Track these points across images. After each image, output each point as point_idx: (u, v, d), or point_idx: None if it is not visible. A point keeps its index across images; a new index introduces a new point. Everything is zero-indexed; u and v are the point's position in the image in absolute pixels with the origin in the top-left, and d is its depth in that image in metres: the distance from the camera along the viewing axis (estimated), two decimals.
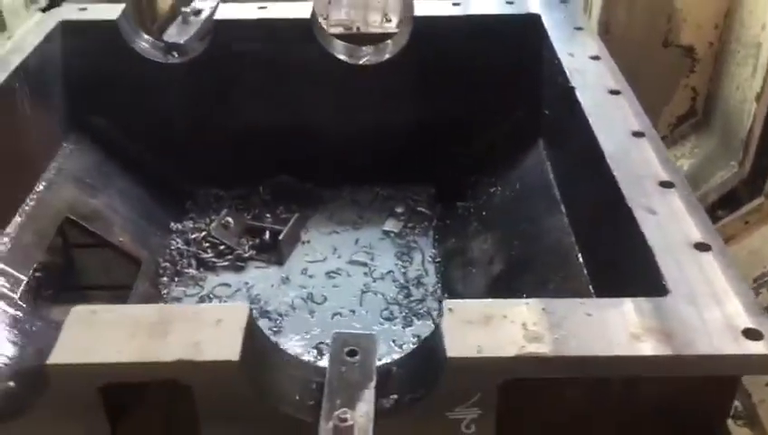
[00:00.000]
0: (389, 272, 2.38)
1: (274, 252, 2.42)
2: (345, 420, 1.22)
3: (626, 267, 1.56)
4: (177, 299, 2.24)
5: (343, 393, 1.28)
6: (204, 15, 2.71)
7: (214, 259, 2.40)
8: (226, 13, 2.51)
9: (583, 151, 1.88)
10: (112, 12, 2.45)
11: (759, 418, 1.94)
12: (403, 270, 2.39)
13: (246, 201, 2.65)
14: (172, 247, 2.44)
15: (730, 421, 1.99)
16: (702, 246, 1.42)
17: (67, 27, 2.40)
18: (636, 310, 1.28)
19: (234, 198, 2.66)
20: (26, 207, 2.14)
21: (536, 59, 2.37)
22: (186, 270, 2.36)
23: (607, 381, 1.27)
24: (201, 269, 2.38)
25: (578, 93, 1.95)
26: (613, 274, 1.67)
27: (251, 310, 1.30)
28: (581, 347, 1.21)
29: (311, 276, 2.37)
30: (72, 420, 1.26)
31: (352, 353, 1.36)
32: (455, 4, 2.51)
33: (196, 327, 1.26)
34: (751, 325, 1.23)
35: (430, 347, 1.30)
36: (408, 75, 2.55)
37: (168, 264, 2.37)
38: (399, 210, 2.62)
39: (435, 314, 2.20)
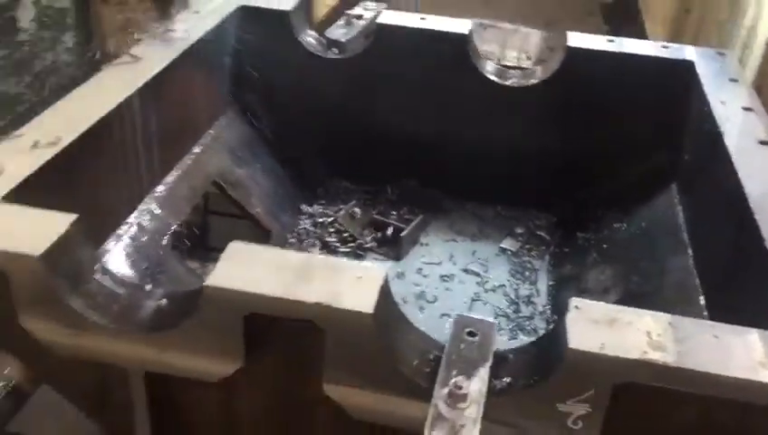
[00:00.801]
0: (501, 286, 2.43)
1: (394, 247, 2.53)
2: (460, 387, 1.29)
3: (755, 315, 1.55)
4: None
5: (460, 366, 1.34)
6: (366, 20, 2.87)
7: (337, 244, 2.53)
8: (389, 18, 2.66)
9: (724, 197, 1.88)
10: (286, 4, 2.65)
11: None
12: (515, 287, 2.43)
13: (374, 197, 2.77)
14: (300, 227, 2.59)
15: None
16: None
17: (245, 11, 2.61)
18: (763, 339, 1.28)
19: (362, 193, 2.79)
20: (183, 165, 2.33)
21: (684, 105, 2.38)
22: (309, 249, 2.50)
23: (722, 403, 1.27)
24: (324, 251, 2.51)
25: (726, 140, 1.96)
26: (737, 319, 1.66)
27: (387, 273, 1.39)
28: (703, 364, 1.23)
29: (425, 276, 2.45)
30: (215, 340, 1.38)
31: (472, 335, 1.43)
32: (609, 41, 2.56)
33: (337, 278, 1.36)
34: None
35: (551, 338, 1.35)
36: (551, 102, 2.61)
37: (294, 240, 2.52)
38: (519, 231, 2.67)
39: (541, 332, 2.23)
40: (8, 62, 2.44)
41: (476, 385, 1.31)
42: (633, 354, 1.24)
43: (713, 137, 2.03)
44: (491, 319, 1.46)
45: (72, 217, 1.45)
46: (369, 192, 2.79)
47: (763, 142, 1.95)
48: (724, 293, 1.82)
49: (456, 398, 1.28)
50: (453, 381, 1.30)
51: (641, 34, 4.73)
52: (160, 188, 2.20)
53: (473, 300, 2.36)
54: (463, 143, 2.72)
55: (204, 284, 1.33)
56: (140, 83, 2.02)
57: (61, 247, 1.40)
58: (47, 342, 1.45)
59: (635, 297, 2.12)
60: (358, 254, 2.51)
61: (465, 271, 2.49)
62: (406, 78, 2.67)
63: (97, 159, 1.85)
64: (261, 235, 2.48)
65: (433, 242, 2.62)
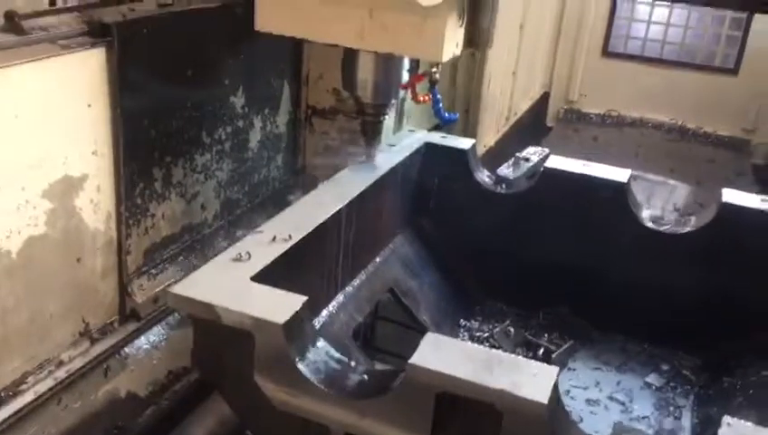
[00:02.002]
0: (645, 417, 2.57)
1: None
2: None
3: None
4: None
5: None
6: (532, 162, 3.24)
7: None
8: (554, 163, 2.99)
9: None
10: (464, 143, 3.06)
11: None
12: (659, 419, 2.56)
13: (526, 321, 3.02)
14: (459, 338, 2.87)
15: None
16: None
17: (429, 147, 3.04)
18: None
19: (515, 315, 3.05)
20: (367, 271, 2.70)
21: None
22: None
23: None
24: None
25: None
26: None
27: (558, 371, 1.64)
28: None
29: (572, 398, 2.63)
30: (409, 412, 1.67)
31: None
32: (763, 200, 2.77)
33: (517, 372, 1.63)
34: None
35: None
36: (702, 251, 2.80)
37: None
38: (665, 368, 2.81)
39: None
40: (236, 174, 2.97)
41: None
42: None
43: None
44: (648, 430, 1.66)
45: (303, 298, 1.83)
46: (521, 315, 3.05)
47: None
48: None
49: None
50: None
51: None
52: (349, 289, 2.57)
53: (616, 425, 2.50)
54: (614, 279, 2.94)
55: (408, 361, 1.64)
56: (347, 200, 2.44)
57: (296, 320, 1.76)
58: (272, 396, 1.79)
59: None
60: None
61: (611, 398, 2.65)
62: (564, 215, 2.96)
63: (313, 255, 2.25)
64: None
65: (580, 368, 2.81)
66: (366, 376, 1.81)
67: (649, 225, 2.86)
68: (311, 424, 1.80)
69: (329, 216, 2.31)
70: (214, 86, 2.74)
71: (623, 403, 2.63)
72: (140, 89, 2.25)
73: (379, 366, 1.96)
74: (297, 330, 1.77)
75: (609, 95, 7.43)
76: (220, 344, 1.85)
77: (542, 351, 2.80)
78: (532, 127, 6.80)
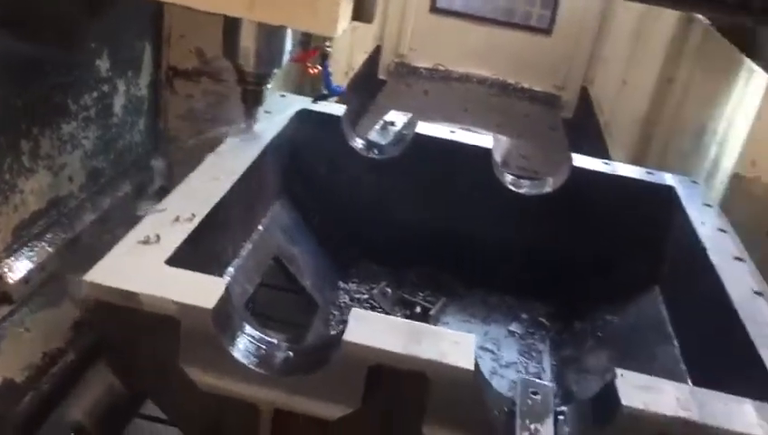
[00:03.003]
0: (514, 363, 2.85)
1: None
2: (537, 431, 1.69)
3: (736, 390, 2.00)
4: None
5: (530, 417, 1.75)
6: (398, 127, 3.35)
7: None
8: (423, 129, 3.14)
9: (707, 299, 2.37)
10: (338, 109, 3.11)
11: None
12: (525, 364, 2.86)
13: (399, 280, 3.18)
14: (339, 301, 2.97)
15: None
16: None
17: (304, 113, 3.05)
18: (755, 407, 1.73)
19: (388, 275, 3.20)
20: (252, 241, 2.70)
21: (666, 223, 2.91)
22: None
23: None
24: None
25: (710, 255, 2.47)
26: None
27: (475, 341, 1.80)
28: (718, 422, 1.67)
29: None
30: (341, 385, 1.75)
31: (535, 393, 1.84)
32: (605, 163, 3.11)
33: (441, 341, 1.76)
34: None
35: (602, 398, 1.77)
36: (553, 211, 3.10)
37: (336, 312, 2.90)
38: (524, 316, 3.11)
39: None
40: (101, 141, 2.81)
41: (548, 430, 1.71)
42: (669, 412, 1.67)
43: (696, 251, 2.55)
44: (549, 383, 1.88)
45: (225, 280, 1.83)
46: (395, 275, 3.20)
47: (737, 258, 2.46)
48: (709, 379, 2.28)
49: None
50: (532, 426, 1.70)
51: (605, 154, 5.36)
52: (238, 261, 2.56)
53: (491, 373, 2.76)
54: (478, 238, 3.18)
55: (343, 338, 1.71)
56: (239, 173, 2.41)
57: (223, 303, 1.76)
58: (199, 380, 1.78)
59: None
60: None
61: (482, 348, 2.90)
62: (434, 180, 3.13)
63: (215, 233, 2.22)
64: (308, 306, 2.85)
65: (452, 322, 3.03)
66: (292, 353, 1.86)
67: (511, 188, 3.10)
68: (238, 403, 1.83)
69: (225, 192, 2.28)
70: (79, 50, 2.56)
71: (493, 351, 2.90)
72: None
73: (272, 334, 2.00)
74: (224, 313, 1.77)
75: (437, 50, 7.75)
76: (138, 332, 1.80)
77: (418, 309, 2.98)
78: (366, 80, 6.93)
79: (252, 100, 2.69)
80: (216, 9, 2.36)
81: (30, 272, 2.43)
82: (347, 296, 3.01)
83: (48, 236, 2.54)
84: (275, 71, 2.69)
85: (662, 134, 4.49)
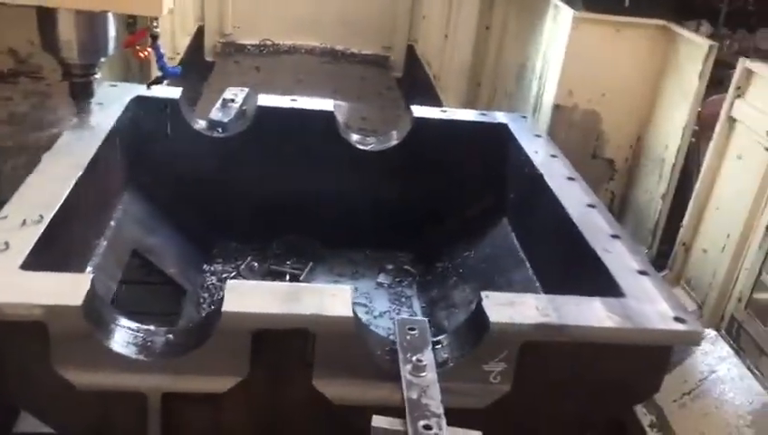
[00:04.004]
0: (386, 312, 2.97)
1: None
2: (420, 361, 1.80)
3: (588, 291, 2.22)
4: None
5: (411, 351, 1.86)
6: (238, 102, 3.32)
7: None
8: (265, 101, 3.15)
9: (549, 219, 2.59)
10: (174, 92, 3.04)
11: (671, 427, 2.60)
12: (397, 311, 2.98)
13: (262, 253, 3.20)
14: (207, 283, 2.95)
15: (649, 430, 2.66)
16: (643, 272, 2.12)
17: (139, 100, 2.95)
18: (607, 303, 1.94)
19: (252, 250, 3.20)
20: (107, 238, 2.61)
21: (504, 157, 3.12)
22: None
23: (587, 346, 1.90)
24: None
25: (546, 179, 2.69)
26: None
27: (351, 291, 1.87)
28: (575, 321, 1.86)
29: None
30: (226, 357, 1.77)
31: (412, 329, 1.95)
32: (442, 111, 3.27)
33: (318, 297, 1.82)
34: (679, 315, 1.92)
35: (472, 321, 1.91)
36: (400, 162, 3.23)
37: (205, 295, 2.88)
38: (389, 267, 3.24)
39: None
40: None
41: (429, 358, 1.83)
42: (531, 320, 1.84)
43: (534, 178, 2.76)
44: (424, 318, 1.99)
45: (89, 275, 1.78)
46: (257, 249, 3.21)
47: (569, 178, 2.70)
48: (561, 290, 2.50)
49: (418, 368, 1.79)
50: (413, 358, 1.81)
51: (438, 104, 5.60)
52: (96, 259, 2.48)
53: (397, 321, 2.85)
54: (334, 199, 3.24)
55: (223, 309, 1.73)
56: (81, 169, 2.32)
57: (91, 298, 1.72)
58: (75, 380, 1.73)
59: None
60: None
61: (355, 304, 2.97)
62: (282, 150, 3.16)
63: (66, 232, 2.13)
64: (175, 294, 2.80)
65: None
66: (171, 336, 1.85)
67: (358, 146, 3.19)
68: (123, 397, 1.80)
69: (70, 189, 2.19)
70: None
71: (365, 305, 3.00)
72: None
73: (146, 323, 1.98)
74: (94, 308, 1.73)
75: (262, 25, 7.67)
76: (2, 344, 1.72)
77: (288, 277, 3.01)
78: (194, 64, 6.76)
79: (81, 93, 2.59)
80: (33, 1, 2.25)
81: None
82: (214, 277, 3.00)
83: None
84: (102, 59, 2.60)
85: (488, 79, 4.76)
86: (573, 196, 2.57)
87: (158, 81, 2.80)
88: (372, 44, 7.77)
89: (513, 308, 1.88)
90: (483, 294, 1.92)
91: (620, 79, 3.37)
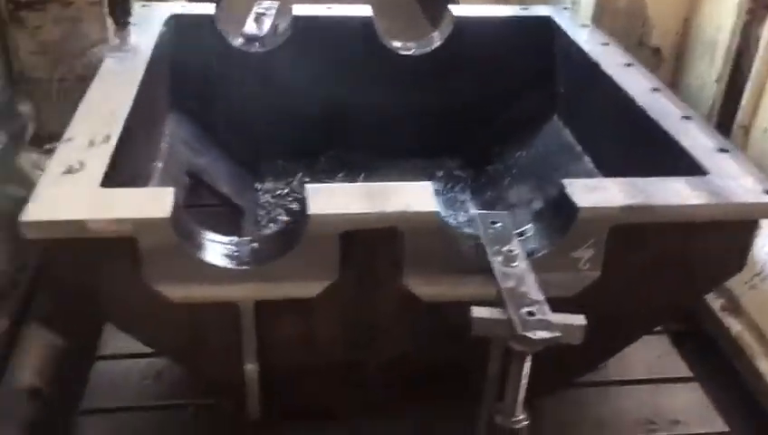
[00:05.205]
0: (446, 217, 2.94)
1: None
2: (511, 251, 1.78)
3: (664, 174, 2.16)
4: None
5: (498, 243, 1.83)
6: (270, 14, 3.21)
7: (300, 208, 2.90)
8: (300, 11, 3.04)
9: (610, 108, 2.53)
10: (211, 8, 2.93)
11: (742, 307, 2.60)
12: (455, 216, 2.96)
13: (311, 169, 3.16)
14: (262, 201, 2.93)
15: (720, 313, 2.66)
16: (723, 150, 2.06)
17: (177, 18, 2.86)
18: (691, 182, 1.90)
19: (300, 167, 3.16)
20: (161, 160, 2.57)
21: (551, 51, 3.03)
22: (279, 217, 2.85)
23: (676, 226, 1.87)
24: (291, 218, 2.87)
25: (602, 67, 2.61)
26: None
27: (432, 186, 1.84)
28: (661, 201, 1.82)
29: None
30: (316, 260, 1.75)
31: (494, 223, 1.92)
32: (482, 8, 3.16)
33: (401, 195, 1.79)
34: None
35: (557, 208, 1.88)
36: (443, 65, 3.14)
37: (262, 212, 2.86)
38: (439, 174, 3.20)
39: None
40: None
41: (518, 248, 1.81)
42: (618, 203, 1.80)
43: (588, 67, 2.68)
44: (504, 211, 1.96)
45: (171, 189, 1.75)
46: (306, 165, 3.18)
47: (627, 64, 2.62)
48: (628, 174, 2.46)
49: (510, 259, 1.76)
50: (504, 248, 1.79)
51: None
52: (154, 181, 2.45)
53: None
54: (376, 111, 3.18)
55: (309, 213, 1.70)
56: (134, 92, 2.25)
57: (177, 210, 1.69)
58: (170, 294, 1.73)
59: None
60: None
61: None
62: (322, 60, 3.07)
63: (130, 154, 2.10)
64: (233, 214, 2.78)
65: None
66: (257, 244, 1.83)
67: (400, 52, 3.10)
68: (216, 307, 1.80)
69: (129, 109, 2.14)
70: None
71: None
72: None
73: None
74: (182, 220, 1.71)
75: None
76: (91, 263, 1.71)
77: None
78: None
79: (120, 11, 2.51)
80: None
81: None
82: (268, 195, 2.97)
83: None
84: None
85: None
86: (634, 81, 2.50)
87: None
88: None
89: (598, 193, 1.84)
90: (564, 181, 1.88)
91: None
